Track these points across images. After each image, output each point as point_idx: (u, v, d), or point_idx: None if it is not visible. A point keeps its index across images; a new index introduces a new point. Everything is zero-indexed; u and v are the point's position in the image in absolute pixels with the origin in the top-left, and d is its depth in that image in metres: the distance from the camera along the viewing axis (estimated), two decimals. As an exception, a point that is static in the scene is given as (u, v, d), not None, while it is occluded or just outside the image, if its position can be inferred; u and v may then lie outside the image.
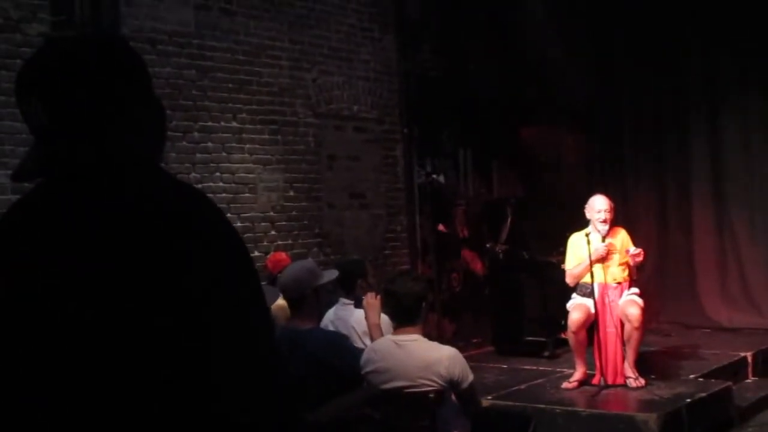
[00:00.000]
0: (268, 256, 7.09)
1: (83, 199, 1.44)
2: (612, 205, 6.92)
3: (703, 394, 6.63)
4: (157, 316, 1.37)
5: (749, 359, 8.21)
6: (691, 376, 7.30)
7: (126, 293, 1.37)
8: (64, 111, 1.47)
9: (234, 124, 7.44)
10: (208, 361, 1.39)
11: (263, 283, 6.40)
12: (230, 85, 7.40)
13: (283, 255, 6.84)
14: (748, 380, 8.04)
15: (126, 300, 1.37)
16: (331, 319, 5.28)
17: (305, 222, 8.04)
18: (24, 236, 1.45)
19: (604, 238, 6.82)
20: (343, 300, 5.41)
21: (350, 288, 5.44)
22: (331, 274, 4.79)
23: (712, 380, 7.18)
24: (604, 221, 6.82)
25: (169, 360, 1.37)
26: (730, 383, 7.07)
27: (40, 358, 1.38)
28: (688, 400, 6.44)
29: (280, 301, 4.98)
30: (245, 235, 7.33)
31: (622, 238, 6.95)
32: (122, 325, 1.37)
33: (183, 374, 1.38)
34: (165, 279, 1.39)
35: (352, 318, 5.25)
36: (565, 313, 6.97)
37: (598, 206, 6.87)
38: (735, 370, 7.92)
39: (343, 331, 5.10)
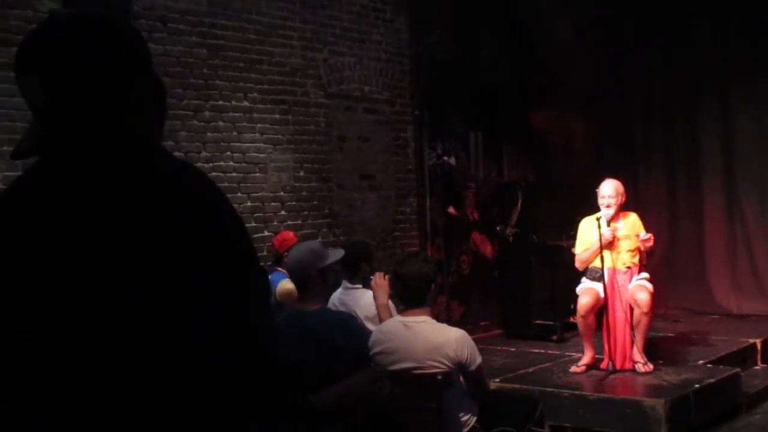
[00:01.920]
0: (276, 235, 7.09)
1: (79, 177, 1.43)
2: (621, 189, 6.89)
3: (711, 381, 6.62)
4: (145, 294, 1.36)
5: (758, 346, 8.19)
6: (700, 362, 7.29)
7: (114, 273, 1.36)
8: (62, 88, 1.46)
9: (245, 103, 7.42)
10: (202, 343, 1.38)
11: (269, 263, 6.42)
12: (241, 65, 7.38)
13: (289, 234, 6.84)
14: (757, 367, 8.02)
15: (114, 279, 1.36)
16: (334, 303, 5.27)
17: (315, 202, 8.03)
18: (15, 215, 1.44)
19: (608, 223, 6.81)
20: (346, 284, 5.40)
21: (354, 272, 5.43)
22: (337, 254, 4.76)
23: (721, 366, 7.17)
24: (608, 206, 6.81)
25: (160, 341, 1.36)
26: (738, 370, 7.06)
27: (27, 336, 1.37)
28: (696, 386, 6.43)
29: (289, 286, 4.97)
30: (255, 215, 7.34)
31: (633, 222, 6.93)
32: (112, 304, 1.36)
33: (177, 359, 1.36)
34: (155, 258, 1.37)
35: (355, 303, 5.24)
36: (574, 297, 6.96)
37: (602, 191, 6.86)
38: (743, 356, 7.91)
39: (347, 315, 5.10)
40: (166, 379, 1.36)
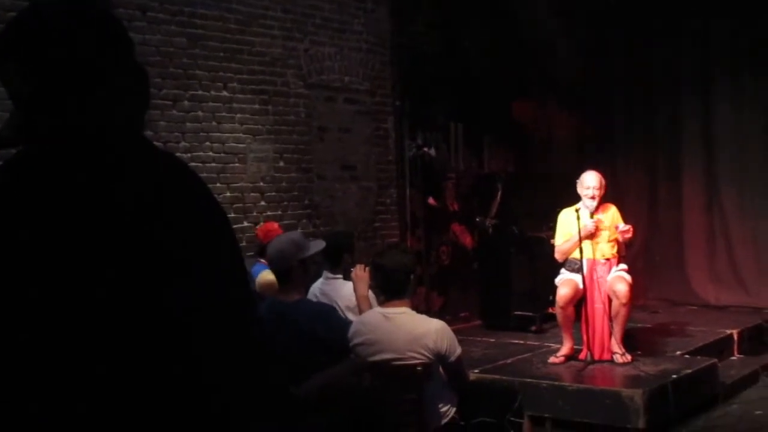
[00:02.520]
0: (259, 226, 7.07)
1: (60, 167, 1.42)
2: (603, 181, 6.92)
3: (689, 371, 6.67)
4: (127, 282, 1.36)
5: (735, 337, 8.27)
6: (677, 353, 7.35)
7: (97, 260, 1.36)
8: (43, 78, 1.45)
9: (224, 93, 7.39)
10: (186, 329, 1.38)
11: (250, 254, 6.41)
12: (221, 54, 7.34)
13: (274, 225, 6.81)
14: (734, 357, 8.10)
15: (100, 266, 1.36)
16: (315, 293, 5.27)
17: (295, 193, 8.01)
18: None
19: (592, 215, 6.82)
20: (327, 274, 5.38)
21: (336, 262, 5.42)
22: (318, 245, 4.76)
23: (698, 357, 7.23)
24: (593, 197, 6.82)
25: (144, 326, 1.36)
26: (715, 360, 7.11)
27: (20, 325, 1.36)
28: (674, 376, 6.48)
29: (269, 277, 4.96)
30: (234, 206, 7.31)
31: (612, 214, 6.95)
32: (94, 293, 1.35)
33: (160, 343, 1.37)
34: (140, 244, 1.37)
35: (336, 293, 5.23)
36: (554, 289, 6.98)
37: (587, 182, 6.86)
38: (721, 347, 7.98)
39: (328, 305, 5.09)
40: (154, 362, 1.37)
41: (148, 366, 1.37)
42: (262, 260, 6.15)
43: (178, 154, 6.50)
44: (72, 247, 1.37)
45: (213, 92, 7.30)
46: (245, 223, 7.37)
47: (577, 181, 6.96)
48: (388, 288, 4.42)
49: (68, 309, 1.35)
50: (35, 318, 1.36)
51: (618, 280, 6.73)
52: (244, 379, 1.45)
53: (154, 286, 1.37)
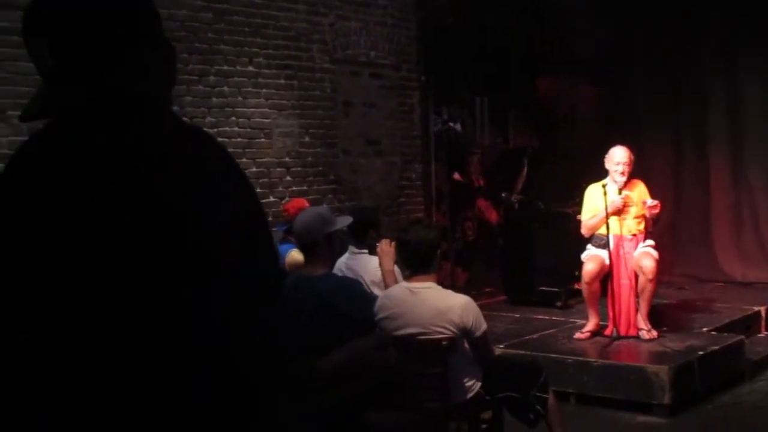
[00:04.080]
0: (288, 202, 7.06)
1: (87, 140, 1.43)
2: (632, 157, 6.87)
3: (715, 348, 6.64)
4: (155, 257, 1.36)
5: (762, 313, 8.21)
6: (704, 330, 7.31)
7: (122, 235, 1.36)
8: (71, 52, 1.45)
9: (250, 68, 7.39)
10: (210, 305, 1.38)
11: (281, 227, 6.40)
12: (246, 29, 7.34)
13: (304, 202, 6.79)
14: (761, 334, 8.05)
15: (129, 238, 1.36)
16: (341, 268, 5.27)
17: (320, 168, 8.02)
18: (28, 178, 1.43)
19: (620, 191, 6.78)
20: (353, 249, 5.39)
21: (362, 238, 5.42)
22: (345, 221, 4.78)
23: (725, 334, 7.19)
24: (622, 173, 6.77)
25: (170, 303, 1.37)
26: (742, 337, 7.07)
27: (37, 291, 1.37)
28: (700, 353, 6.45)
29: (298, 257, 4.97)
30: (260, 180, 7.33)
31: (639, 190, 6.91)
32: (119, 267, 1.36)
33: (185, 318, 1.37)
34: (164, 220, 1.37)
35: (361, 268, 5.24)
36: (579, 264, 6.96)
37: (617, 158, 6.81)
38: (747, 324, 7.93)
39: (353, 280, 5.10)
40: (174, 342, 1.37)
41: (173, 343, 1.37)
42: (291, 238, 6.16)
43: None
44: (100, 219, 1.37)
45: (238, 67, 7.30)
46: (271, 198, 7.39)
47: (605, 156, 6.91)
48: (414, 263, 4.43)
49: (92, 276, 1.36)
50: (62, 287, 1.37)
51: (644, 255, 6.70)
52: (270, 359, 1.45)
53: (183, 263, 1.37)
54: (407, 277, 4.53)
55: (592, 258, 6.80)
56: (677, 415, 6.01)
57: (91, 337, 1.35)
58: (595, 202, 6.84)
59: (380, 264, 4.91)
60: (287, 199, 7.30)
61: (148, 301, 1.36)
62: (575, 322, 7.53)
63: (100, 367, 1.35)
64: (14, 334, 1.38)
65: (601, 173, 6.93)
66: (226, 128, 7.16)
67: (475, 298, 4.64)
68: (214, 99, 7.12)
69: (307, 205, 6.62)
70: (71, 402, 1.36)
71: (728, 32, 9.99)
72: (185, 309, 1.37)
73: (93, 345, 1.36)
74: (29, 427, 1.37)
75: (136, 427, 1.36)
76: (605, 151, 6.97)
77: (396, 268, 4.89)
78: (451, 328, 4.27)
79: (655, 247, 6.85)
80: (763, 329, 8.14)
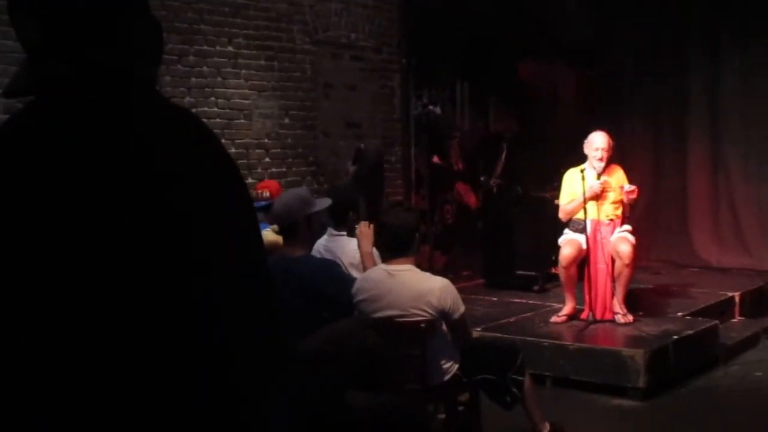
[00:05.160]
0: (263, 183, 7.03)
1: (78, 113, 1.42)
2: (611, 143, 6.90)
3: (690, 332, 6.71)
4: (140, 236, 1.35)
5: (737, 299, 8.30)
6: (679, 314, 7.38)
7: (116, 209, 1.35)
8: (57, 28, 1.44)
9: (230, 48, 7.35)
10: (198, 283, 1.38)
11: (257, 204, 6.37)
12: (226, 9, 7.29)
13: (276, 184, 6.77)
14: (735, 320, 8.13)
15: (116, 216, 1.35)
16: (319, 250, 5.27)
17: (300, 150, 8.00)
18: (13, 154, 1.42)
19: (599, 176, 6.81)
20: (331, 231, 5.39)
21: (341, 219, 5.41)
22: (324, 203, 4.78)
23: (700, 319, 7.26)
24: (601, 159, 6.81)
25: (157, 280, 1.36)
26: (716, 322, 7.15)
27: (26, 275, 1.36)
28: (675, 337, 6.51)
29: (270, 237, 4.97)
30: (239, 162, 7.29)
31: (617, 175, 6.95)
32: (106, 244, 1.35)
33: (172, 298, 1.36)
34: (157, 195, 1.37)
35: (340, 250, 5.24)
36: (557, 249, 7.00)
37: (596, 144, 6.84)
38: (722, 309, 8.01)
39: (331, 262, 5.10)
40: (167, 324, 1.36)
41: (165, 329, 1.36)
42: (265, 219, 6.14)
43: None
44: (88, 195, 1.36)
45: (218, 48, 7.26)
46: (250, 180, 7.35)
47: (584, 141, 6.94)
48: (393, 245, 4.44)
49: (79, 265, 1.35)
50: (47, 273, 1.36)
51: (621, 240, 6.74)
52: (262, 341, 1.45)
53: (170, 244, 1.37)
54: (386, 260, 4.54)
55: (569, 242, 6.84)
56: (652, 399, 6.08)
57: (86, 323, 1.34)
58: (573, 187, 6.88)
59: (359, 246, 4.91)
60: (264, 181, 7.27)
61: (145, 289, 1.35)
62: (552, 305, 7.58)
63: (95, 357, 1.34)
64: None
65: (580, 158, 6.96)
66: (206, 109, 7.12)
67: (453, 281, 4.66)
68: (194, 79, 7.07)
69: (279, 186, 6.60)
70: (67, 398, 1.35)
71: (710, 19, 10.04)
72: (182, 296, 1.37)
73: (88, 330, 1.34)
74: (25, 419, 1.36)
75: (130, 416, 1.36)
76: (584, 136, 7.00)
77: (375, 251, 4.90)
78: (430, 311, 4.29)
79: (632, 232, 6.90)
80: (737, 314, 8.23)
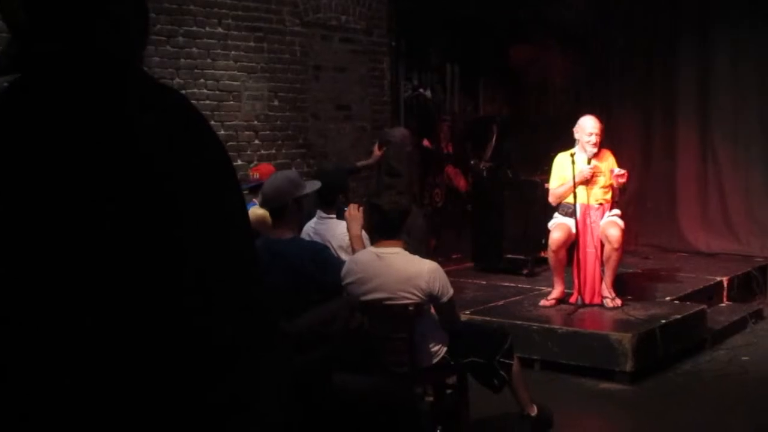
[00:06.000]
0: (256, 167, 7.01)
1: (60, 95, 1.40)
2: (602, 127, 6.89)
3: (678, 316, 6.73)
4: (127, 214, 1.35)
5: (724, 284, 8.33)
6: (667, 298, 7.40)
7: (96, 191, 1.34)
8: (43, 7, 1.42)
9: (219, 29, 7.31)
10: (184, 264, 1.37)
11: (247, 186, 6.37)
12: (216, -10, 7.25)
13: (271, 167, 6.75)
14: (722, 304, 8.17)
15: (104, 190, 1.35)
16: (308, 233, 5.26)
17: (289, 132, 7.98)
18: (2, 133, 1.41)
19: (590, 160, 6.81)
20: (320, 213, 5.38)
21: (330, 202, 5.40)
22: (314, 185, 4.76)
23: (687, 303, 7.29)
24: (594, 144, 6.79)
25: (143, 258, 1.35)
26: (704, 306, 7.17)
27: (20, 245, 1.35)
28: (663, 321, 6.53)
29: (259, 211, 4.96)
30: (228, 144, 7.27)
31: (607, 160, 6.94)
32: (92, 223, 1.34)
33: (159, 277, 1.36)
34: (138, 177, 1.36)
35: (329, 232, 5.23)
36: (546, 232, 7.01)
37: (589, 128, 6.82)
38: (710, 294, 8.04)
39: (320, 244, 5.09)
40: (154, 305, 1.36)
41: (152, 303, 1.36)
42: (255, 199, 6.13)
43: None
44: (75, 171, 1.35)
45: (207, 28, 7.22)
46: (239, 162, 7.34)
47: (576, 125, 6.93)
48: (383, 228, 4.43)
49: (67, 244, 1.34)
50: (33, 249, 1.35)
51: (610, 224, 6.75)
52: (250, 316, 1.45)
53: (157, 223, 1.36)
54: (375, 242, 4.53)
55: (558, 226, 6.84)
56: (639, 382, 6.10)
57: (72, 303, 1.34)
58: (563, 171, 6.87)
59: (348, 229, 4.90)
60: (255, 162, 7.26)
61: (132, 267, 1.34)
62: (541, 289, 7.60)
63: (83, 340, 1.34)
64: None
65: (571, 142, 6.95)
66: (195, 90, 7.09)
67: (442, 264, 4.66)
68: (183, 60, 7.04)
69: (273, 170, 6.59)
70: (57, 379, 1.34)
71: (701, 4, 10.02)
72: (169, 274, 1.36)
73: (74, 310, 1.34)
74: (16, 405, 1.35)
75: (119, 399, 1.35)
76: (575, 120, 6.98)
77: (364, 234, 4.89)
78: (418, 294, 4.29)
79: (621, 217, 6.91)
80: (724, 299, 8.27)
